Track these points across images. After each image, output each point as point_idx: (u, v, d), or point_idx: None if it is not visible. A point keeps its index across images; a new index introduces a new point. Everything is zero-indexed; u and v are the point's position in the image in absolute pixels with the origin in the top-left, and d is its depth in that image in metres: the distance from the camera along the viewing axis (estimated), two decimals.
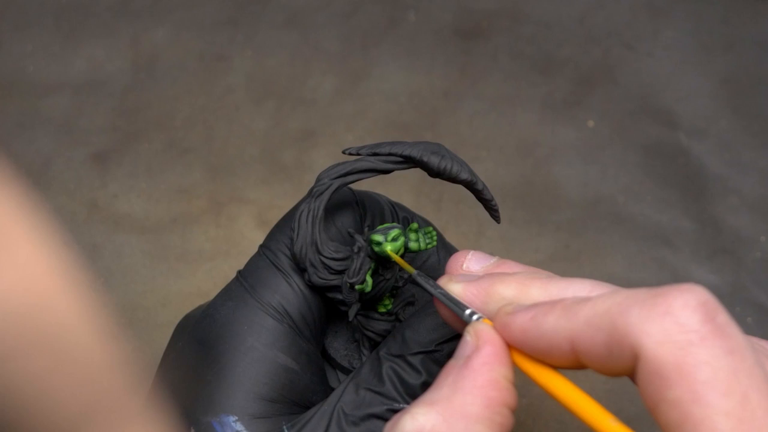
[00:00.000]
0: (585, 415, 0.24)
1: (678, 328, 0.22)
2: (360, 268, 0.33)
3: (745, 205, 0.55)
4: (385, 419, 0.31)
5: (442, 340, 0.32)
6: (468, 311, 0.28)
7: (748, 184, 0.56)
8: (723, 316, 0.22)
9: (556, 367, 0.26)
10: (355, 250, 0.33)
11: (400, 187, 0.55)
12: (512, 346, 0.27)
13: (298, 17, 0.64)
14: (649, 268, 0.53)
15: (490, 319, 0.28)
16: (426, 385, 0.32)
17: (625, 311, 0.23)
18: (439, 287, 0.29)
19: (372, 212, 0.36)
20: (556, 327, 0.25)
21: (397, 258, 0.33)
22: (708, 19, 0.64)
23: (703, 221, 0.55)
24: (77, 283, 0.19)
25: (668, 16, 0.64)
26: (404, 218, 0.38)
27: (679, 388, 0.21)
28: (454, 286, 0.29)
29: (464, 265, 0.30)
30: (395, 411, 0.31)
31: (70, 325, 0.19)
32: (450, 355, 0.32)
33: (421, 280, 0.31)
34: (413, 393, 0.31)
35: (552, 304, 0.25)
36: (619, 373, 0.24)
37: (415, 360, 0.32)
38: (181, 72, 0.62)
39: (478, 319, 0.28)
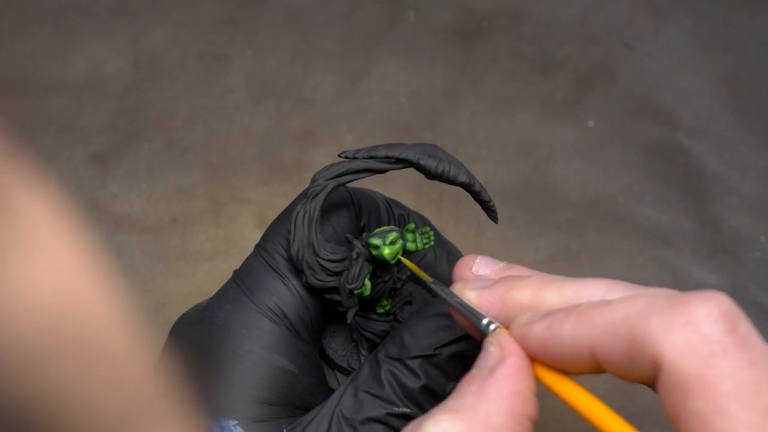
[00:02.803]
0: (609, 429, 0.24)
1: (700, 338, 0.22)
2: (359, 274, 0.33)
3: (745, 205, 0.55)
4: (385, 423, 0.31)
5: (441, 344, 0.32)
6: (485, 321, 0.28)
7: (748, 183, 0.56)
8: (745, 326, 0.22)
9: (575, 374, 0.26)
10: (354, 255, 0.33)
11: (399, 187, 0.55)
12: (532, 357, 0.27)
13: (298, 17, 0.64)
14: (649, 268, 0.53)
15: (507, 326, 0.27)
16: (425, 389, 0.32)
17: (646, 319, 0.23)
18: (454, 296, 0.29)
19: (368, 211, 0.36)
20: (573, 335, 0.25)
21: (411, 265, 0.33)
22: (708, 18, 0.64)
23: (703, 221, 0.55)
24: (110, 284, 0.19)
25: (668, 16, 0.64)
26: (400, 215, 0.37)
27: (701, 400, 0.21)
28: (469, 294, 0.29)
29: (473, 269, 0.30)
30: (394, 415, 0.31)
31: (106, 327, 0.19)
32: (450, 358, 0.32)
33: (437, 288, 0.30)
34: (412, 397, 0.31)
35: (567, 311, 0.25)
36: (639, 380, 0.24)
37: (414, 364, 0.32)
38: (181, 72, 0.62)
39: (495, 328, 0.28)
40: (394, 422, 0.31)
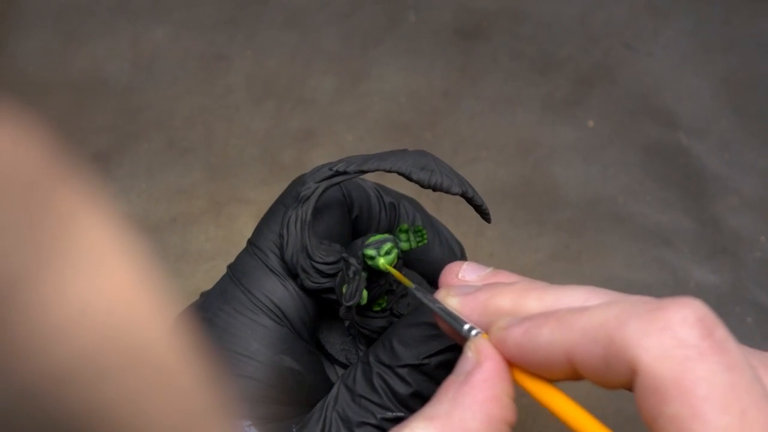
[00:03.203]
0: None
1: (676, 343, 0.22)
2: (356, 290, 0.33)
3: (745, 205, 0.55)
4: (379, 427, 0.32)
5: (429, 354, 0.32)
6: (467, 326, 0.28)
7: (748, 183, 0.56)
8: (721, 331, 0.22)
9: (554, 380, 0.26)
10: (351, 274, 0.33)
11: (400, 188, 0.55)
12: (510, 362, 0.27)
13: (298, 17, 0.64)
14: (649, 268, 0.53)
15: (488, 332, 0.28)
16: (416, 395, 0.32)
17: (623, 324, 0.23)
18: (437, 302, 0.29)
19: (359, 202, 0.36)
20: (551, 339, 0.25)
21: (394, 272, 0.33)
22: (708, 18, 0.64)
23: (703, 221, 0.55)
24: (165, 298, 0.19)
25: (668, 16, 0.64)
26: (390, 203, 0.37)
27: (678, 404, 0.21)
28: (451, 300, 0.29)
29: (459, 275, 0.30)
30: (388, 419, 0.32)
31: (162, 342, 0.19)
32: (438, 366, 0.32)
33: (420, 295, 0.30)
34: (404, 402, 0.32)
35: (545, 316, 0.25)
36: (616, 386, 0.24)
37: (403, 372, 0.32)
38: (181, 72, 0.62)
39: (477, 334, 0.28)
40: (388, 426, 0.32)
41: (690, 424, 0.21)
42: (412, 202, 0.38)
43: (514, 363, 0.26)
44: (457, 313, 0.28)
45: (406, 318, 0.33)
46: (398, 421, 0.31)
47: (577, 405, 0.25)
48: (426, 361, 0.32)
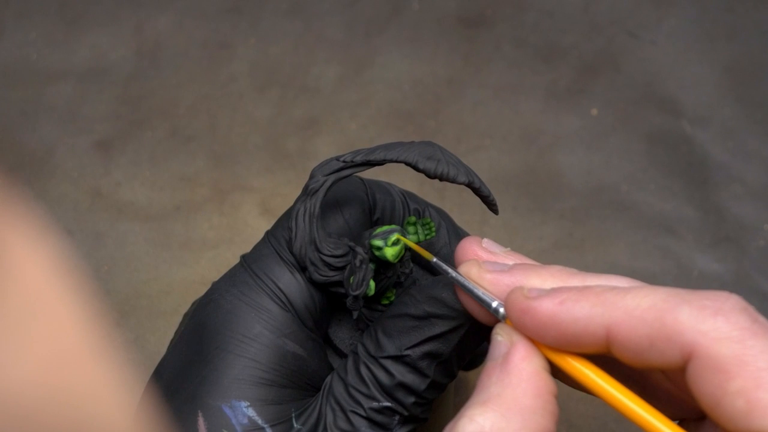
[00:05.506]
0: (617, 401, 0.25)
1: (731, 326, 0.24)
2: (363, 280, 0.33)
3: (748, 193, 0.55)
4: (367, 417, 0.32)
5: (410, 345, 0.32)
6: (495, 303, 0.28)
7: (752, 172, 0.56)
8: (762, 317, 0.25)
9: (574, 353, 0.27)
10: (357, 263, 0.33)
11: (403, 176, 0.55)
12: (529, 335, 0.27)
13: (301, 5, 0.64)
14: (652, 257, 0.53)
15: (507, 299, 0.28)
16: (401, 386, 0.32)
17: (674, 309, 0.24)
18: (461, 275, 0.29)
19: (382, 205, 0.36)
20: (590, 314, 0.25)
21: (412, 244, 0.33)
22: (712, 7, 0.64)
23: (707, 209, 0.55)
24: (109, 352, 0.16)
25: (672, 4, 0.64)
26: (415, 210, 0.37)
27: (742, 378, 0.23)
28: (485, 275, 0.29)
29: (483, 244, 0.31)
30: (374, 409, 0.32)
31: (105, 405, 0.16)
32: (422, 357, 0.32)
33: (441, 267, 0.31)
34: (390, 392, 0.32)
35: (579, 290, 0.26)
36: (651, 366, 0.25)
37: (387, 363, 0.32)
38: (184, 60, 0.62)
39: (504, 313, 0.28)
40: (376, 416, 0.32)
41: (756, 393, 0.23)
42: (438, 210, 0.38)
43: (533, 336, 0.27)
44: (482, 289, 0.29)
45: (391, 308, 0.34)
46: (384, 410, 0.32)
47: (607, 374, 0.26)
48: (408, 352, 0.32)
